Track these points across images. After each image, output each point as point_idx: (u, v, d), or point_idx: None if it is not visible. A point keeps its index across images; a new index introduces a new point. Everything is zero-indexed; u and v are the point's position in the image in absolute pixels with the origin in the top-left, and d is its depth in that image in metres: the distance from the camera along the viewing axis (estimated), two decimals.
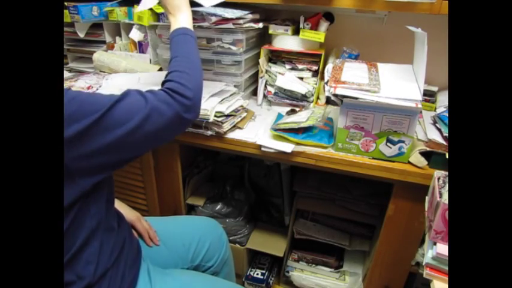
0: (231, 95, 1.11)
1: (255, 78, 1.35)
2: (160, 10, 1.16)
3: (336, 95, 0.90)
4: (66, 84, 1.11)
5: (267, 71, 1.24)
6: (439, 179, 0.71)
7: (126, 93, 0.64)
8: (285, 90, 1.21)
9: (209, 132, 1.04)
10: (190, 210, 1.37)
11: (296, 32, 1.19)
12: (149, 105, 0.64)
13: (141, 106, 0.63)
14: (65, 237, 0.63)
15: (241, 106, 1.11)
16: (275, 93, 1.24)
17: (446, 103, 1.12)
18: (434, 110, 1.17)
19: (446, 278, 0.64)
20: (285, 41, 1.20)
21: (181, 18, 0.81)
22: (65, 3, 1.17)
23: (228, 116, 1.05)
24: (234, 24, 1.09)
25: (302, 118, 1.03)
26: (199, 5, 0.90)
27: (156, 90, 0.68)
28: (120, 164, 0.67)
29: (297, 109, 1.20)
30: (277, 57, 1.25)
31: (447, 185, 0.69)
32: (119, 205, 0.96)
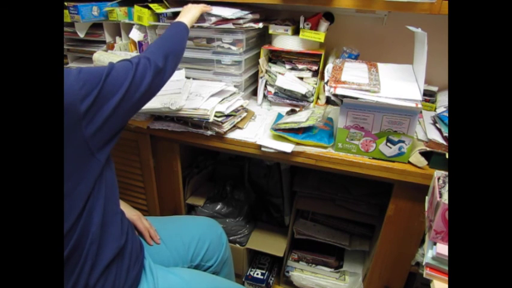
0: (231, 95, 1.12)
1: (255, 78, 1.35)
2: (160, 10, 1.16)
3: (336, 95, 0.90)
4: None
5: (267, 71, 1.24)
6: (439, 179, 0.71)
7: (113, 63, 0.73)
8: (285, 90, 1.21)
9: (209, 132, 1.04)
10: (190, 210, 1.37)
11: (296, 32, 1.19)
12: (134, 64, 0.75)
13: (129, 67, 0.74)
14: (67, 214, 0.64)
15: (241, 106, 1.11)
16: (275, 93, 1.24)
17: (446, 103, 1.12)
18: (434, 110, 1.17)
19: (446, 278, 0.64)
20: (285, 41, 1.20)
21: (183, 18, 0.97)
22: (65, 3, 1.17)
23: (228, 116, 1.05)
24: (234, 24, 1.09)
25: (302, 118, 1.03)
26: None
27: (136, 55, 0.81)
28: (123, 127, 0.75)
29: (297, 109, 1.20)
30: (277, 57, 1.25)
31: (447, 185, 0.69)
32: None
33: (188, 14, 0.98)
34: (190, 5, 1.03)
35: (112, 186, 0.76)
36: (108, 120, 0.67)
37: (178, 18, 0.97)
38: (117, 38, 1.29)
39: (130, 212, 0.98)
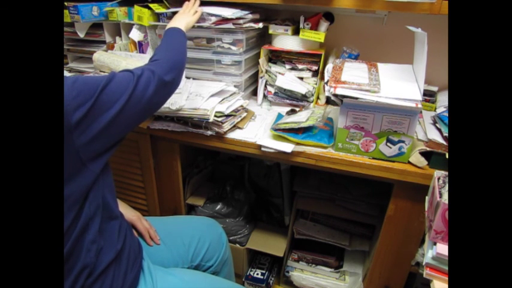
0: (231, 95, 1.12)
1: (255, 78, 1.35)
2: (160, 10, 1.16)
3: (336, 95, 0.90)
4: None
5: (267, 71, 1.24)
6: (439, 179, 0.71)
7: (115, 73, 0.71)
8: (285, 90, 1.21)
9: (209, 132, 1.04)
10: (190, 210, 1.37)
11: (296, 32, 1.19)
12: (136, 76, 0.72)
13: (130, 78, 0.71)
14: (65, 224, 0.63)
15: (241, 106, 1.11)
16: (275, 93, 1.24)
17: (446, 103, 1.12)
18: (434, 110, 1.17)
19: (446, 278, 0.64)
20: (285, 41, 1.20)
21: (181, 25, 0.95)
22: (65, 3, 1.17)
23: (228, 116, 1.05)
24: (234, 24, 1.09)
25: (302, 118, 1.03)
26: None
27: (140, 66, 0.78)
28: (122, 138, 0.73)
29: (297, 109, 1.20)
30: (277, 57, 1.25)
31: (447, 185, 0.69)
32: (119, 205, 0.96)
33: (183, 21, 0.96)
34: (185, 8, 1.02)
35: (109, 192, 0.75)
36: (104, 132, 0.65)
37: (176, 24, 0.94)
38: (117, 38, 1.29)
39: (129, 213, 0.97)
